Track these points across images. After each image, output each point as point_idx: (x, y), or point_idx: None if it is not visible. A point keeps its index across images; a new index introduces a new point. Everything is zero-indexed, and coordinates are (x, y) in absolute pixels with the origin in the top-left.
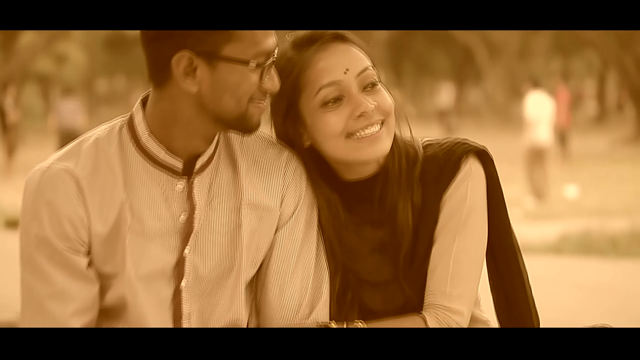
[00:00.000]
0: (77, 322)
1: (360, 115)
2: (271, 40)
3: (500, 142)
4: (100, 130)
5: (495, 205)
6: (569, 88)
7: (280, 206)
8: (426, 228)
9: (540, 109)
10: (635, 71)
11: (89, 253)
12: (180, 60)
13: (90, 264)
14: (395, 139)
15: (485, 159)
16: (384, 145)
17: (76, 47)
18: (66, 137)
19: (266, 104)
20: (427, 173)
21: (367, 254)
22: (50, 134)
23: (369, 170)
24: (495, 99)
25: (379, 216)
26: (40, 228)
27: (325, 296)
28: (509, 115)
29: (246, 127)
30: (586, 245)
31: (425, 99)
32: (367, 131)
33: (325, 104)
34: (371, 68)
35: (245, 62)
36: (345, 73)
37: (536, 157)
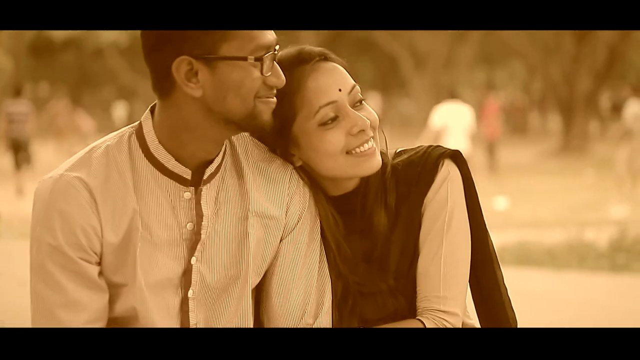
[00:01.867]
0: None
1: (359, 132)
2: (268, 34)
3: None
4: (110, 138)
5: (471, 207)
6: (498, 99)
7: (286, 216)
8: (410, 233)
9: (450, 119)
10: (561, 82)
11: (99, 263)
12: (180, 66)
13: (100, 273)
14: None
15: (460, 161)
16: (379, 159)
17: (2, 52)
18: (17, 143)
19: (274, 100)
20: (403, 178)
21: (357, 264)
22: None
23: (352, 185)
24: (421, 109)
25: (362, 227)
26: (53, 237)
27: (327, 305)
28: None
29: (257, 125)
30: (524, 257)
31: None
32: (365, 147)
33: (323, 123)
34: (357, 86)
35: (244, 58)
36: (339, 92)
37: None
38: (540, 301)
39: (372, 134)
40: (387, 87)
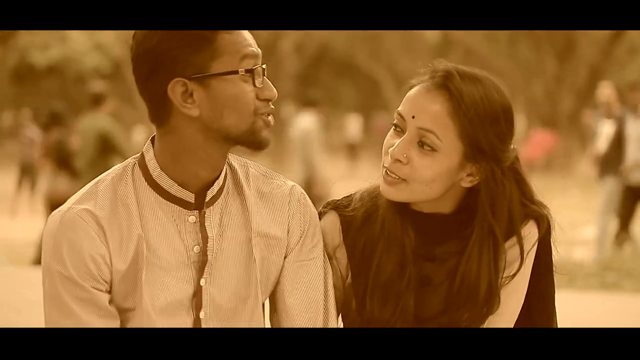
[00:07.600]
0: None
1: (387, 153)
2: (252, 46)
3: None
4: (115, 170)
5: (542, 270)
6: None
7: (287, 235)
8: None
9: None
10: (544, 101)
11: (110, 291)
12: (175, 88)
13: (110, 300)
14: (492, 195)
15: (542, 224)
16: (393, 195)
17: None
18: (27, 167)
19: (271, 120)
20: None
21: (408, 288)
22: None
23: (447, 207)
24: None
25: (436, 254)
26: (64, 268)
27: (332, 325)
28: None
29: (255, 141)
30: None
31: (333, 130)
32: (386, 175)
33: (395, 123)
34: (434, 135)
35: (235, 72)
36: (412, 118)
37: None
38: None
39: (397, 174)
40: (369, 109)
